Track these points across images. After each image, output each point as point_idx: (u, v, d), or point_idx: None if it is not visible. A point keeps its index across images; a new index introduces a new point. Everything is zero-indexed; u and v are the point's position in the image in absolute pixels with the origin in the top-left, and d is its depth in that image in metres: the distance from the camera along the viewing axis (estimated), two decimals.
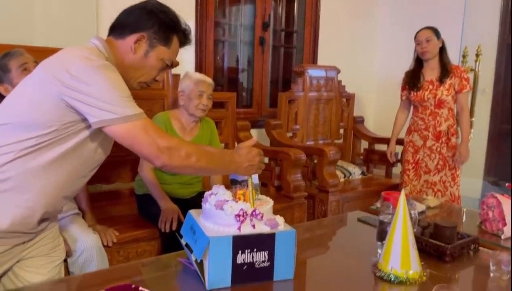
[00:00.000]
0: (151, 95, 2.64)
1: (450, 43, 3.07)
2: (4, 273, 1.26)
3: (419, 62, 2.99)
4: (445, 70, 2.88)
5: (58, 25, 2.55)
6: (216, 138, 2.49)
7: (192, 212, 1.42)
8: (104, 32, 1.38)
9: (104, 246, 1.94)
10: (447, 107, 2.90)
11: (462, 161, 2.90)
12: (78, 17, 2.63)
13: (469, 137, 2.99)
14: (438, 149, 2.93)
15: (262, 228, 1.27)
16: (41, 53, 2.02)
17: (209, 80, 2.38)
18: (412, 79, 2.97)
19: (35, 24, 2.49)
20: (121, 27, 1.31)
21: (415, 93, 2.96)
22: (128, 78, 1.28)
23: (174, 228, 2.06)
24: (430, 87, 2.91)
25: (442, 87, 2.87)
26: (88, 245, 1.82)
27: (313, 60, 3.89)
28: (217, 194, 1.34)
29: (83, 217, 2.03)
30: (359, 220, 1.92)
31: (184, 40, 1.39)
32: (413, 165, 3.02)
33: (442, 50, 2.93)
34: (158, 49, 1.31)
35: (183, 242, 1.40)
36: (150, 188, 2.22)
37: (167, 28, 1.32)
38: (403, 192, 1.33)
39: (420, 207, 2.07)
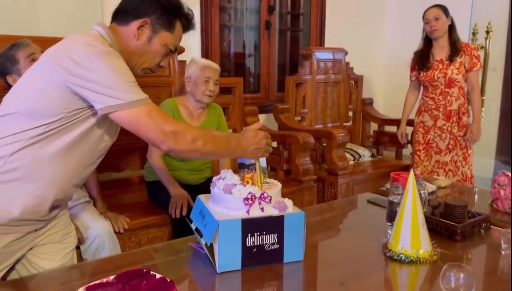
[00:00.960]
0: (158, 82, 2.64)
1: (460, 20, 3.01)
2: (18, 260, 1.28)
3: (428, 41, 2.93)
4: (455, 48, 2.83)
5: (63, 14, 2.55)
6: (224, 124, 2.49)
7: (201, 197, 1.43)
8: (109, 19, 1.37)
9: (116, 232, 1.96)
10: (458, 86, 2.85)
11: (474, 140, 2.87)
12: (82, 4, 2.62)
13: (481, 116, 2.95)
14: (449, 129, 2.90)
15: (270, 211, 1.27)
16: (46, 43, 2.01)
17: (215, 65, 2.37)
18: (421, 59, 2.93)
19: (39, 13, 2.48)
20: (123, 13, 1.30)
21: (424, 73, 2.91)
22: (132, 64, 1.28)
23: (184, 213, 2.07)
24: (440, 66, 2.86)
25: (452, 66, 2.83)
26: (100, 232, 1.85)
27: (320, 43, 3.84)
28: (225, 178, 1.34)
29: (94, 205, 2.06)
30: (369, 201, 1.91)
31: (187, 25, 1.37)
32: (424, 145, 2.99)
33: (452, 28, 2.87)
34: (162, 34, 1.30)
35: (193, 226, 1.42)
36: (160, 174, 2.23)
37: (170, 13, 1.31)
38: (411, 172, 1.32)
39: (431, 187, 2.05)
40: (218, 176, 1.38)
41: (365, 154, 3.58)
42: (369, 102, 3.92)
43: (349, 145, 3.44)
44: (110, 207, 2.13)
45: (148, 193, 2.41)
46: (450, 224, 1.47)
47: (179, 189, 2.19)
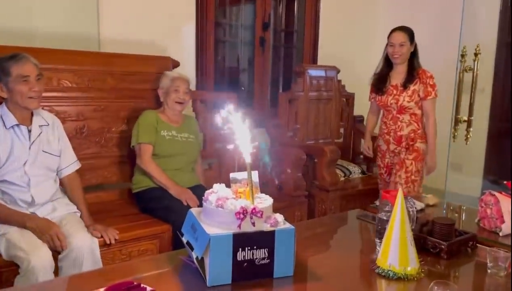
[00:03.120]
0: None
1: (449, 43, 3.08)
2: None
3: (388, 63, 2.84)
4: (411, 75, 2.74)
5: (59, 25, 2.57)
6: (199, 135, 2.70)
7: (193, 210, 1.44)
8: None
9: (106, 244, 1.95)
10: (409, 112, 2.77)
11: (428, 171, 2.80)
12: (79, 16, 2.64)
13: (435, 146, 2.79)
14: (398, 151, 2.83)
15: (262, 225, 1.29)
16: (42, 54, 2.05)
17: (185, 76, 2.57)
18: (378, 83, 2.85)
19: (35, 25, 2.50)
20: None
21: (379, 97, 2.84)
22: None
23: (198, 203, 2.21)
24: (394, 92, 2.77)
25: (404, 93, 2.74)
26: (81, 244, 1.80)
27: (313, 60, 3.90)
28: (218, 192, 1.36)
29: (81, 217, 2.04)
30: (358, 218, 1.94)
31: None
32: (385, 169, 2.93)
33: (413, 54, 2.78)
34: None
35: (184, 240, 1.42)
36: (157, 176, 2.36)
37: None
38: (400, 190, 1.35)
39: (419, 205, 2.08)
40: (210, 190, 1.40)
41: (355, 171, 3.62)
42: (360, 120, 3.97)
43: (340, 162, 3.47)
44: (99, 220, 2.10)
45: (139, 204, 2.41)
46: (437, 242, 1.50)
47: (179, 186, 2.36)
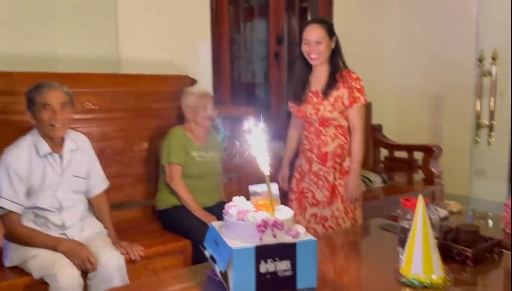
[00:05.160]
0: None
1: (465, 47, 3.04)
2: None
3: (306, 64, 2.30)
4: (332, 79, 2.23)
5: (80, 49, 2.66)
6: (222, 150, 2.69)
7: (215, 224, 1.46)
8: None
9: (131, 261, 1.99)
10: (334, 124, 2.26)
11: (349, 196, 2.28)
12: (99, 39, 2.73)
13: (359, 166, 2.31)
14: (326, 176, 2.29)
15: (283, 237, 1.30)
16: (65, 78, 2.13)
17: (209, 92, 2.64)
18: (295, 89, 2.33)
19: (57, 50, 2.59)
20: None
21: (298, 107, 2.31)
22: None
23: None
24: (314, 100, 2.26)
25: (326, 102, 2.23)
26: (110, 262, 1.85)
27: None
28: (238, 205, 1.38)
29: (107, 235, 2.09)
30: (380, 227, 1.92)
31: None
32: (297, 194, 2.38)
33: (335, 52, 2.26)
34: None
35: (207, 254, 1.44)
36: (186, 198, 2.39)
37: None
38: (420, 197, 1.34)
39: (443, 212, 2.06)
40: (231, 203, 1.42)
41: (376, 180, 3.59)
42: (379, 128, 3.95)
43: None
44: (124, 237, 2.15)
45: (162, 221, 2.45)
46: (462, 249, 1.48)
47: (205, 212, 2.37)
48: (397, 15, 4.29)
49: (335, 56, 2.27)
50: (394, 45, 4.34)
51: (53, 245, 1.83)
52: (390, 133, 4.16)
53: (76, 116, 2.31)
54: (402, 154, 3.66)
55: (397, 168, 3.75)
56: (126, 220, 2.50)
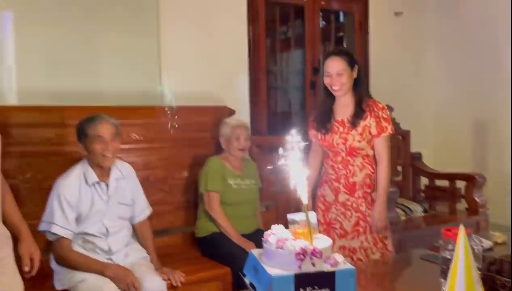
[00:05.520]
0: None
1: (500, 70, 2.94)
2: None
3: (329, 94, 2.30)
4: (359, 109, 2.23)
5: (125, 83, 2.82)
6: (259, 179, 2.75)
7: (254, 252, 1.49)
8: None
9: (173, 287, 2.05)
10: (362, 154, 2.25)
11: (375, 227, 2.23)
12: (142, 74, 2.90)
13: (386, 196, 2.25)
14: (355, 206, 2.26)
15: (322, 266, 1.31)
16: (112, 111, 2.26)
17: (244, 123, 2.70)
18: (320, 118, 2.32)
19: (104, 85, 2.76)
20: None
21: (323, 136, 2.29)
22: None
23: None
24: (341, 129, 2.25)
25: (354, 131, 2.22)
26: (152, 287, 1.92)
27: None
28: (277, 233, 1.41)
29: (150, 261, 2.16)
30: (422, 258, 1.89)
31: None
32: (325, 226, 2.31)
33: (357, 81, 2.26)
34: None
35: (247, 281, 1.47)
36: (224, 225, 2.45)
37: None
38: (461, 227, 1.32)
39: (487, 243, 1.99)
40: (269, 231, 1.45)
41: (417, 209, 3.51)
42: (418, 157, 3.89)
43: (399, 200, 3.39)
44: (166, 263, 2.23)
45: (202, 248, 2.51)
46: (506, 280, 1.43)
47: (244, 239, 2.42)
48: (435, 42, 4.28)
49: (359, 85, 2.28)
50: (433, 72, 4.31)
51: (100, 270, 1.91)
52: (430, 161, 4.08)
53: (123, 146, 2.44)
54: (444, 183, 3.58)
55: (439, 197, 3.66)
56: (167, 246, 2.57)
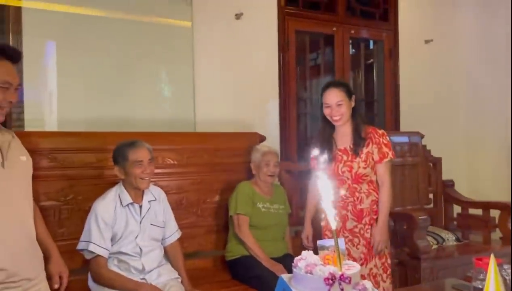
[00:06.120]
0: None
1: None
2: None
3: (328, 124, 2.37)
4: (359, 137, 2.32)
5: (159, 112, 2.95)
6: (287, 205, 2.79)
7: (284, 276, 1.53)
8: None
9: None
10: (367, 180, 2.33)
11: (375, 248, 2.28)
12: (179, 103, 3.03)
13: (387, 218, 2.33)
14: (362, 232, 2.31)
15: None
16: (148, 137, 2.37)
17: (274, 150, 2.75)
18: (322, 148, 2.35)
19: (137, 111, 2.89)
20: None
21: (326, 165, 2.31)
22: None
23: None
24: (345, 157, 2.33)
25: (358, 159, 2.30)
26: None
27: (396, 126, 3.93)
28: (306, 258, 1.44)
29: (181, 282, 2.22)
30: (453, 287, 1.87)
31: (7, 56, 1.54)
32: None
33: (355, 110, 2.35)
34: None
35: None
36: (253, 247, 2.49)
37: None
38: (492, 257, 1.33)
39: None
40: (299, 257, 1.49)
41: (449, 238, 3.44)
42: (450, 184, 3.82)
43: (431, 228, 3.34)
44: (197, 285, 2.28)
45: (232, 271, 2.55)
46: None
47: (273, 261, 2.46)
48: (465, 66, 4.26)
49: (357, 114, 2.38)
50: (463, 97, 4.27)
51: (135, 288, 1.99)
52: (463, 189, 4.01)
53: (158, 171, 2.55)
54: (477, 211, 3.50)
55: (473, 226, 3.57)
56: (198, 269, 2.63)
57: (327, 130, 2.39)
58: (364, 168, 2.30)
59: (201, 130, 2.99)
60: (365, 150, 2.31)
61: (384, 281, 2.29)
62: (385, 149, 2.32)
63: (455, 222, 3.72)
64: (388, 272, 2.32)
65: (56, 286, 1.74)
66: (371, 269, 2.29)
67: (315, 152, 2.41)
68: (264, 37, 3.34)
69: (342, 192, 2.30)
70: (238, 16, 3.19)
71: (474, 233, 3.62)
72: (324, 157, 2.31)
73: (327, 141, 2.38)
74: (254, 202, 2.58)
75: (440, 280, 2.49)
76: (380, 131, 2.37)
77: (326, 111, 2.33)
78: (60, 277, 1.77)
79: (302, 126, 3.75)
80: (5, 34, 2.55)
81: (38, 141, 2.26)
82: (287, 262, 2.39)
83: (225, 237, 2.68)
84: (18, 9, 2.57)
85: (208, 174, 2.76)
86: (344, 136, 2.37)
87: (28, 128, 2.55)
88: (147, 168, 2.12)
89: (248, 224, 2.54)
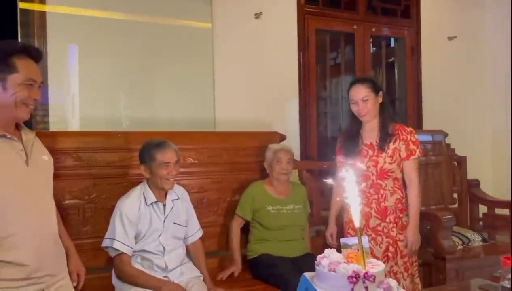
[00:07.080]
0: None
1: None
2: None
3: (356, 120, 2.38)
4: (385, 133, 2.30)
5: (180, 111, 2.98)
6: (307, 205, 2.76)
7: (306, 274, 1.52)
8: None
9: None
10: (392, 177, 2.31)
11: (409, 248, 2.29)
12: (198, 102, 3.05)
13: (418, 218, 2.31)
14: (386, 231, 2.30)
15: (375, 290, 1.32)
16: (169, 136, 2.38)
17: (286, 147, 2.70)
18: (348, 142, 2.37)
19: (158, 111, 2.94)
20: None
21: (352, 161, 2.28)
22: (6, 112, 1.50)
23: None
24: (371, 152, 2.31)
25: (384, 154, 2.28)
26: None
27: (419, 125, 3.87)
28: (330, 256, 1.43)
29: (203, 280, 2.23)
30: (480, 288, 1.82)
31: (31, 55, 1.54)
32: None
33: (383, 106, 2.34)
34: (10, 78, 1.48)
35: None
36: (230, 244, 2.58)
37: (3, 58, 1.48)
38: None
39: None
40: (322, 255, 1.47)
41: (475, 238, 3.36)
42: (476, 184, 3.73)
43: (456, 228, 3.27)
44: (218, 283, 2.30)
45: (253, 270, 2.55)
46: None
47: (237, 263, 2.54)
48: (490, 63, 4.16)
49: (384, 110, 2.35)
50: (489, 95, 4.17)
51: (158, 286, 2.01)
52: (489, 189, 3.91)
53: (180, 169, 2.57)
54: (504, 211, 3.40)
55: (499, 226, 3.48)
56: (219, 267, 2.63)
57: (355, 126, 2.39)
58: (390, 163, 2.28)
59: (221, 130, 3.00)
60: (391, 146, 2.29)
61: (405, 280, 2.27)
62: (412, 147, 2.29)
63: (480, 223, 3.63)
64: (409, 272, 2.29)
65: (74, 284, 1.77)
66: (391, 266, 2.28)
67: (341, 148, 2.42)
68: (283, 36, 3.33)
69: (363, 185, 2.27)
70: (257, 15, 3.20)
71: (500, 234, 3.53)
72: (350, 152, 2.33)
73: (354, 137, 2.38)
74: (262, 204, 2.57)
75: (466, 280, 2.43)
76: (408, 129, 2.35)
77: (354, 108, 2.33)
78: (78, 275, 1.82)
79: (322, 126, 3.73)
80: (30, 38, 2.62)
81: (63, 141, 2.31)
82: (307, 261, 2.37)
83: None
84: (43, 14, 2.63)
85: (228, 173, 2.77)
86: (370, 131, 2.35)
87: (52, 129, 2.61)
88: (173, 170, 2.13)
89: (239, 224, 2.62)
